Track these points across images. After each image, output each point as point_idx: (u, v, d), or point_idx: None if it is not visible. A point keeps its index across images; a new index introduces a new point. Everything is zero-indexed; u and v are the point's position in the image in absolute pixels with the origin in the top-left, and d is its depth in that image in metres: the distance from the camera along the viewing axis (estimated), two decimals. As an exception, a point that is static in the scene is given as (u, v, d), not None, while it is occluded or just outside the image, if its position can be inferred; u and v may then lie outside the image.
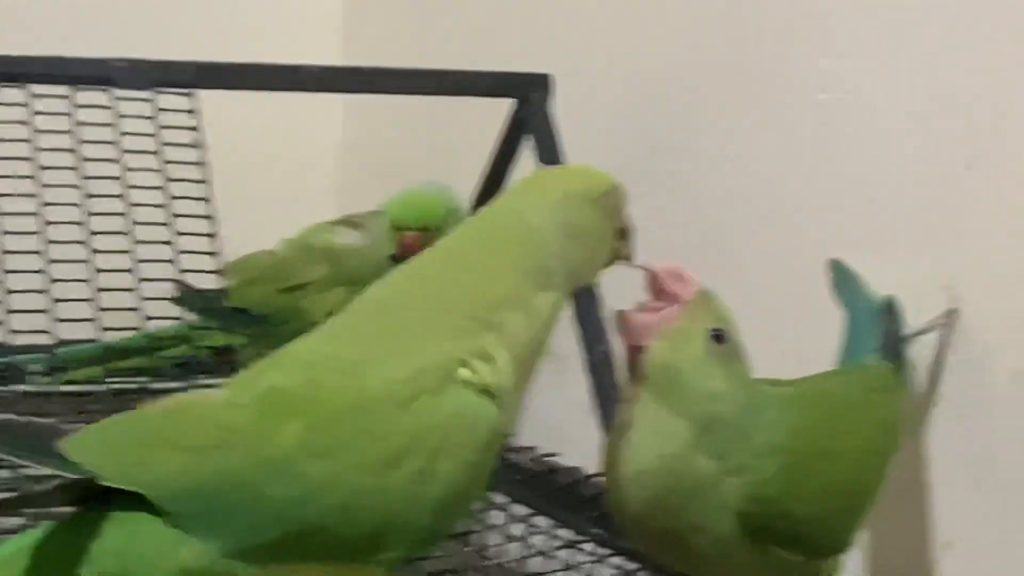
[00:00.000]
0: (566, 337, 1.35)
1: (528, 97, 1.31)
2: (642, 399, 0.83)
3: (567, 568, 1.08)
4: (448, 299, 0.81)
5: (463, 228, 0.86)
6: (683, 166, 1.25)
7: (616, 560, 1.07)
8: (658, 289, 0.85)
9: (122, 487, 0.72)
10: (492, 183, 1.35)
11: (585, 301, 1.22)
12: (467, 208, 1.41)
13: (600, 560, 1.08)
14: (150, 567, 0.73)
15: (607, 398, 1.18)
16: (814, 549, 0.86)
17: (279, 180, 1.74)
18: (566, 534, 1.12)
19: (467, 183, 1.45)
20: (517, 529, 1.15)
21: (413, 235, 1.40)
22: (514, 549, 1.12)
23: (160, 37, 1.60)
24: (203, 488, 0.73)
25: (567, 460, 1.22)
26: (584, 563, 1.08)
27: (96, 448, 0.74)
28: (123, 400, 1.39)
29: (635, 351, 0.83)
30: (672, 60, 1.27)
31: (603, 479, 0.86)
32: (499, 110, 1.36)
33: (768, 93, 1.16)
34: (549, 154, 1.29)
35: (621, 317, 0.84)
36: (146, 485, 0.73)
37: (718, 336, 0.84)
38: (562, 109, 1.32)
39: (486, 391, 0.77)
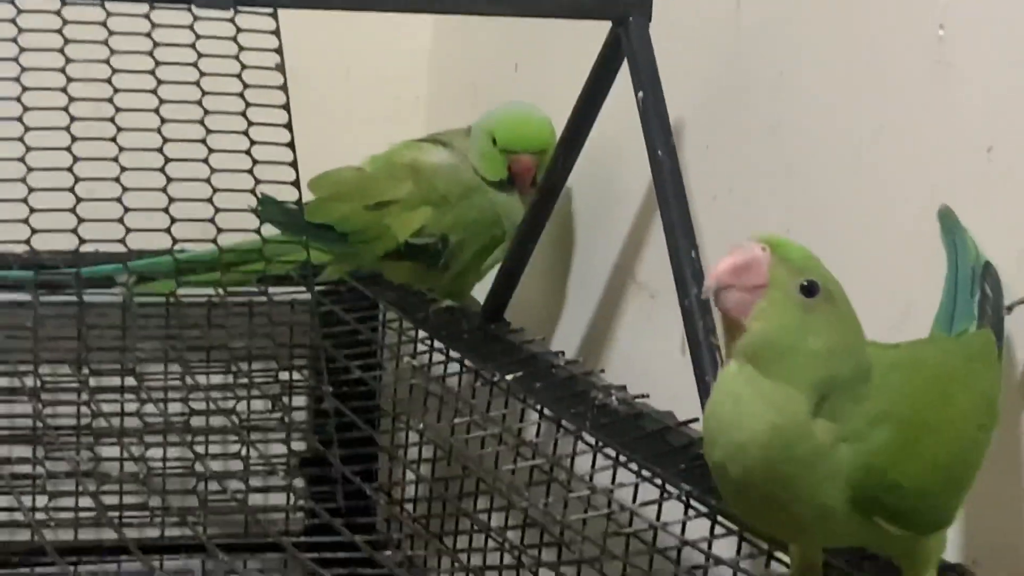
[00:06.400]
0: (657, 272, 1.32)
1: (627, 20, 1.25)
2: (746, 370, 0.80)
3: (651, 528, 1.06)
4: None
5: None
6: (780, 105, 1.19)
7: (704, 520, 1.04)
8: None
9: None
10: (587, 107, 1.29)
11: (678, 240, 1.17)
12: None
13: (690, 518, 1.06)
14: None
15: (701, 346, 1.13)
16: (919, 524, 0.83)
17: (367, 99, 1.71)
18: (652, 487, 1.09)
19: (549, 104, 1.42)
20: (604, 477, 1.13)
21: (527, 158, 1.39)
22: (599, 499, 1.10)
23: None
24: None
25: (657, 402, 1.19)
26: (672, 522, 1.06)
27: None
28: (197, 312, 1.37)
29: (733, 325, 0.80)
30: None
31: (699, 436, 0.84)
32: (578, 28, 1.31)
33: (879, 25, 1.10)
34: (646, 79, 1.23)
35: (716, 297, 0.81)
36: None
37: (808, 288, 0.80)
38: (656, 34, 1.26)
39: None
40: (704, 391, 1.12)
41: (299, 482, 1.39)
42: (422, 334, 1.48)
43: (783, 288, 0.80)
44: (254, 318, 1.45)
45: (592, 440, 1.18)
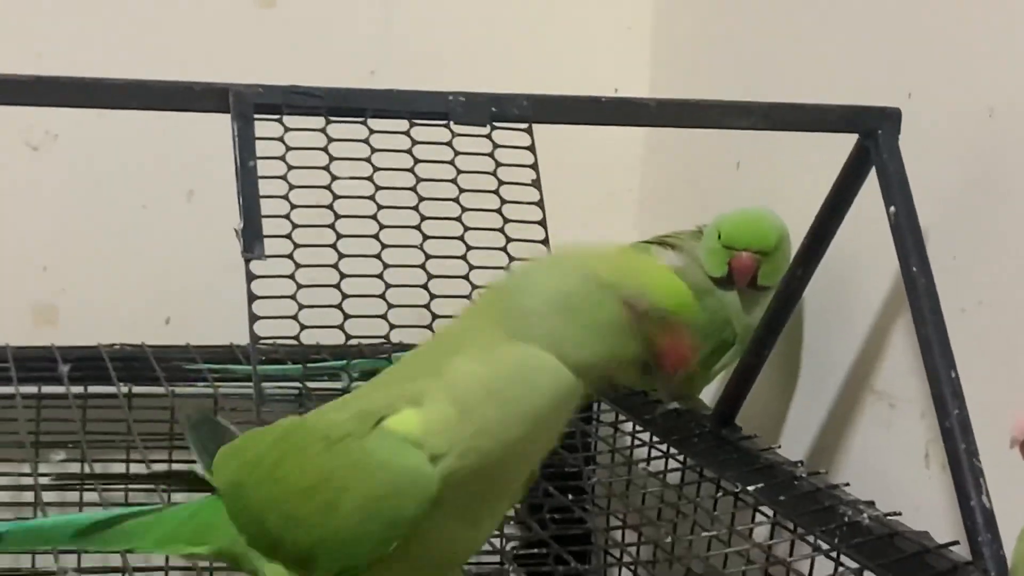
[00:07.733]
0: (897, 381, 1.30)
1: (875, 134, 1.24)
2: None
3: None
4: (417, 355, 0.88)
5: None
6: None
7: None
8: None
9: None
10: (830, 217, 1.29)
11: (936, 358, 1.16)
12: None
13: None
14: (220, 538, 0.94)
15: (964, 467, 1.12)
16: None
17: (578, 189, 1.72)
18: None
19: (771, 204, 1.42)
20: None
21: (748, 256, 1.39)
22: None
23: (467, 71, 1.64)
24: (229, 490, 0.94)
25: (905, 519, 1.17)
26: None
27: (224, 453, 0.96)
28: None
29: None
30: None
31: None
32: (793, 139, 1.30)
33: None
34: (897, 193, 1.23)
35: (1022, 448, 0.81)
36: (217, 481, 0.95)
37: None
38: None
39: (410, 438, 0.82)
40: (968, 514, 1.11)
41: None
42: (645, 436, 1.48)
43: None
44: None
45: (835, 555, 1.17)
